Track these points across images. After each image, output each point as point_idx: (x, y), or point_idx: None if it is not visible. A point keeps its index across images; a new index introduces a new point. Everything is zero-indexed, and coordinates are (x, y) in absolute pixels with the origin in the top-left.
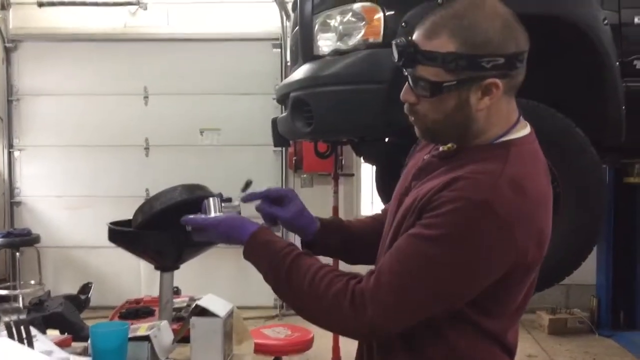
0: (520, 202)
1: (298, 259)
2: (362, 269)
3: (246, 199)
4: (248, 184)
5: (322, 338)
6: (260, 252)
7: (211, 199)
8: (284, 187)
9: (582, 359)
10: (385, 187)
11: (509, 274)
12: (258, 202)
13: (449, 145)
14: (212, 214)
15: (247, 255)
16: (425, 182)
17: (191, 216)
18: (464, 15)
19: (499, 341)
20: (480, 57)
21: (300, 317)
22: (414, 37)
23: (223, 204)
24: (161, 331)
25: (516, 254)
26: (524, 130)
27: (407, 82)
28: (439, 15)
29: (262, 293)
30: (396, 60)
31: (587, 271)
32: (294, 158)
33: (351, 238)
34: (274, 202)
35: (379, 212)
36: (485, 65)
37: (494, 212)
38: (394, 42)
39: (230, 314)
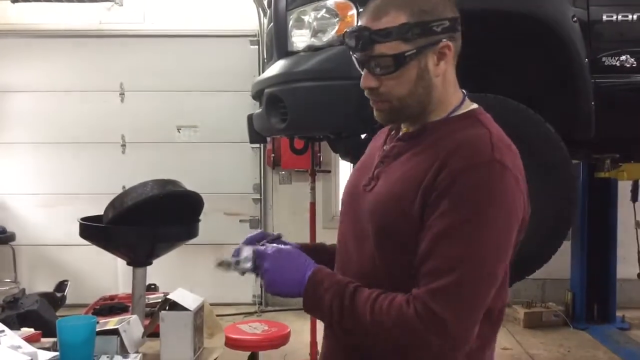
0: (516, 159)
1: (358, 289)
2: None
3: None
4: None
5: (300, 334)
6: (324, 288)
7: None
8: (262, 183)
9: (557, 351)
10: None
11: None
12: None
13: (409, 127)
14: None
15: (311, 292)
16: (405, 162)
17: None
18: None
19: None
20: (431, 22)
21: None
22: (362, 23)
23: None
24: (131, 325)
25: (523, 209)
26: (473, 104)
27: (364, 70)
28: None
29: (241, 290)
30: (353, 47)
31: (562, 265)
32: (272, 155)
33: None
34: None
35: None
36: (436, 29)
37: (506, 166)
38: (346, 31)
39: (200, 308)
